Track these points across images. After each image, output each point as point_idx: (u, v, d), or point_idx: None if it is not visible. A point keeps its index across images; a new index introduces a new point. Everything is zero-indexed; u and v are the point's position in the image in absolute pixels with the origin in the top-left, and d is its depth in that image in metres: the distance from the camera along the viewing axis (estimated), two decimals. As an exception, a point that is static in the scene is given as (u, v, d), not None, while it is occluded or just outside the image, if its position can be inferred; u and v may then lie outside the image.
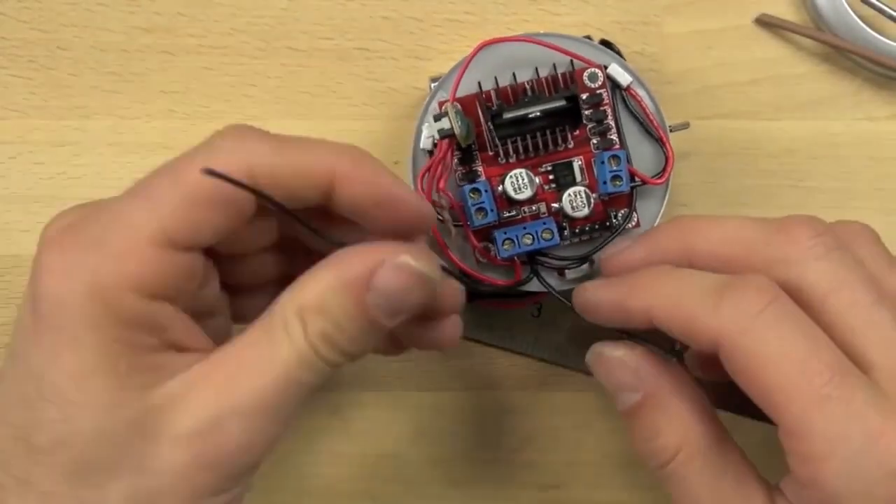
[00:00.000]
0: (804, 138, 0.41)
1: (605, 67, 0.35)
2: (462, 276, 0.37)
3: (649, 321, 0.30)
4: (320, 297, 0.28)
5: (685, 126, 0.37)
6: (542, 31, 0.35)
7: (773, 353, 0.28)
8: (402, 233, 0.30)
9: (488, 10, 0.41)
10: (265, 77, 0.41)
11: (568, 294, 0.34)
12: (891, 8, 0.40)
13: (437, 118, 0.33)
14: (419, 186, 0.33)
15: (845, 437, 0.27)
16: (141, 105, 0.41)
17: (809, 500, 0.28)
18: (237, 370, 0.27)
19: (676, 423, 0.31)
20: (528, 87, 0.34)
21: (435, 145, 0.34)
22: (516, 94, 0.34)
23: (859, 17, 0.40)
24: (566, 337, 0.40)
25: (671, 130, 0.35)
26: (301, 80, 0.41)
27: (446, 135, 0.33)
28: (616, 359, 0.32)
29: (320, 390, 0.40)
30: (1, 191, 0.40)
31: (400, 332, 0.31)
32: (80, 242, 0.27)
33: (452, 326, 0.32)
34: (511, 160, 0.34)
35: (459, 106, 0.34)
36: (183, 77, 0.41)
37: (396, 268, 0.28)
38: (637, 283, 0.31)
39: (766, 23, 0.41)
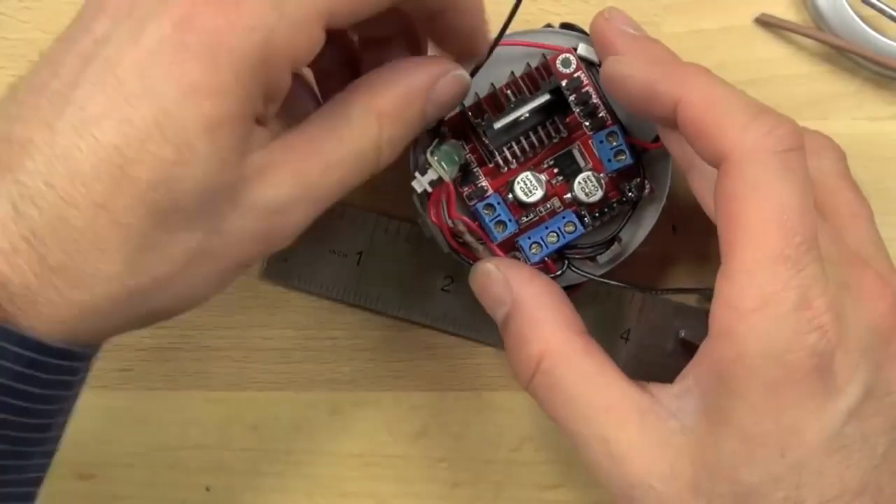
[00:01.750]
0: (804, 138, 0.41)
1: (575, 49, 0.35)
2: None
3: (673, 113, 0.30)
4: (397, 105, 0.30)
5: None
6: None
7: (770, 193, 0.28)
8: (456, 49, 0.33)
9: (488, 10, 0.41)
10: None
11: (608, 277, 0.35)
12: (891, 8, 0.40)
13: (422, 171, 0.33)
14: (431, 218, 0.33)
15: (781, 298, 0.27)
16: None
17: (716, 356, 0.29)
18: (313, 157, 0.29)
19: (540, 331, 0.31)
20: (508, 91, 0.34)
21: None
22: (500, 102, 0.34)
23: (859, 17, 0.40)
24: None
25: None
26: (301, 80, 0.41)
27: (438, 184, 0.33)
28: (488, 272, 0.33)
29: (321, 390, 0.40)
30: (1, 191, 0.40)
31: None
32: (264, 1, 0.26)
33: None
34: (512, 166, 0.34)
35: (447, 132, 0.34)
36: (183, 77, 0.41)
37: (454, 79, 0.31)
38: (676, 70, 0.31)
39: (766, 23, 0.41)
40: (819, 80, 0.41)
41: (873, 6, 0.40)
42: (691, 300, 0.40)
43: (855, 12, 0.40)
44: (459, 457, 0.41)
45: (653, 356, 0.40)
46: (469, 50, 0.33)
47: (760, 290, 0.27)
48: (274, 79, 0.27)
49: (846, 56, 0.41)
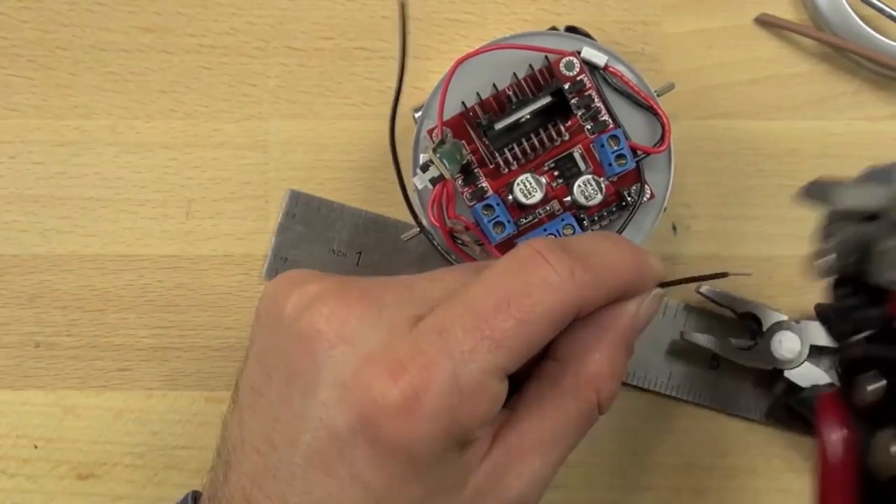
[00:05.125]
0: (804, 138, 0.41)
1: (579, 52, 0.35)
2: None
3: None
4: (611, 363, 0.30)
5: (671, 87, 0.37)
6: (507, 35, 0.35)
7: None
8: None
9: (488, 10, 0.41)
10: (265, 77, 0.41)
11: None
12: (891, 8, 0.40)
13: (423, 168, 0.33)
14: (430, 217, 0.33)
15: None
16: (141, 105, 0.41)
17: None
18: (536, 449, 0.29)
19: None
20: (510, 92, 0.34)
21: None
22: (501, 103, 0.34)
23: (859, 16, 0.40)
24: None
25: (658, 95, 0.35)
26: (301, 80, 0.41)
27: (439, 181, 0.33)
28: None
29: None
30: (1, 190, 0.40)
31: None
32: (435, 380, 0.26)
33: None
34: (513, 168, 0.34)
35: (449, 132, 0.34)
36: (182, 77, 0.41)
37: (651, 302, 0.31)
38: None
39: (766, 22, 0.41)
40: (819, 80, 0.41)
41: (873, 6, 0.40)
42: (692, 300, 0.40)
43: (855, 12, 0.40)
44: (459, 456, 0.41)
45: (653, 356, 0.40)
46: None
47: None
48: (472, 438, 0.28)
49: (846, 56, 0.41)
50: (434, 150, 0.32)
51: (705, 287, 0.40)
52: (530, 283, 0.28)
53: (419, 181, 0.33)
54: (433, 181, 0.33)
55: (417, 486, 0.27)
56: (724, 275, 0.37)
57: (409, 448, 0.26)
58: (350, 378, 0.27)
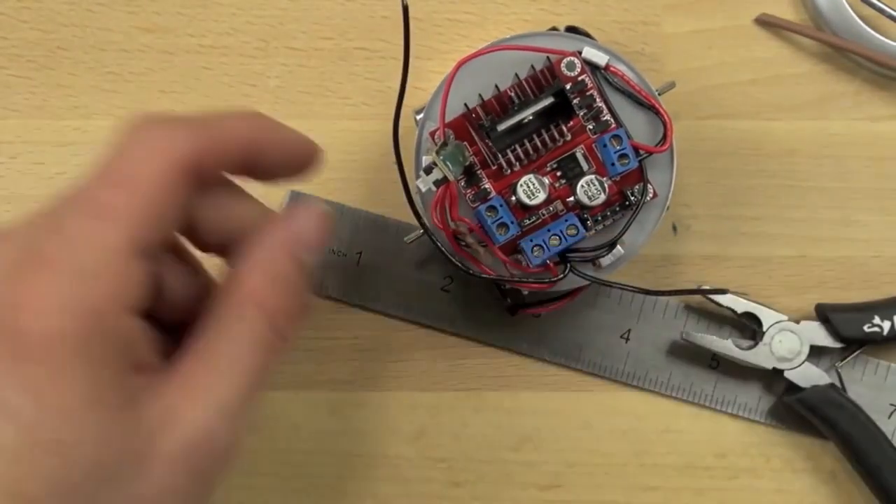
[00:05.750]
0: (804, 138, 0.41)
1: (580, 52, 0.35)
2: (503, 289, 0.37)
3: None
4: (267, 274, 0.29)
5: (672, 86, 0.37)
6: (508, 35, 0.35)
7: None
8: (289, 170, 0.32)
9: (488, 10, 0.41)
10: (265, 77, 0.41)
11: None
12: (891, 8, 0.40)
13: (427, 171, 0.33)
14: (433, 219, 0.33)
15: None
16: (141, 105, 0.41)
17: None
18: (211, 375, 0.28)
19: None
20: (512, 93, 0.34)
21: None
22: (503, 104, 0.34)
23: (859, 17, 0.40)
24: (567, 336, 0.40)
25: (659, 94, 0.35)
26: (301, 80, 0.41)
27: (442, 183, 0.33)
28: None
29: (321, 390, 0.40)
30: (1, 191, 0.40)
31: None
32: (54, 273, 0.25)
33: None
34: (515, 168, 0.34)
35: (452, 134, 0.34)
36: (182, 77, 0.41)
37: (308, 215, 0.31)
38: None
39: (766, 22, 0.41)
40: (819, 80, 0.41)
41: (873, 6, 0.40)
42: (692, 300, 0.40)
43: (855, 12, 0.40)
44: (459, 457, 0.41)
45: (653, 356, 0.40)
46: (303, 161, 0.32)
47: None
48: (126, 331, 0.26)
49: (846, 56, 0.41)
50: (437, 153, 0.32)
51: (706, 286, 0.40)
52: (127, 152, 0.27)
53: (423, 184, 0.33)
54: (437, 183, 0.33)
55: (68, 393, 0.25)
56: (723, 291, 0.37)
57: (42, 346, 0.25)
58: None
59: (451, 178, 0.32)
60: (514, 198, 0.34)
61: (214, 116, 0.30)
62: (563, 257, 0.34)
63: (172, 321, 0.30)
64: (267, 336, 0.29)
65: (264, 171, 0.31)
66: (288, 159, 0.31)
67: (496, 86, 0.34)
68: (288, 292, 0.29)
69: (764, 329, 0.39)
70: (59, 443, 0.25)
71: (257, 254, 0.29)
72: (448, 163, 0.32)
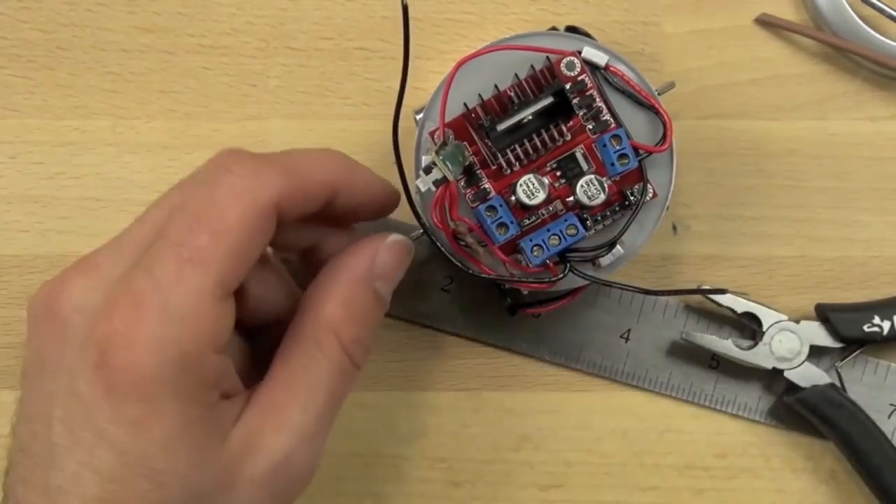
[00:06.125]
0: (804, 138, 0.41)
1: (579, 52, 0.34)
2: (503, 288, 0.37)
3: None
4: (345, 304, 0.30)
5: (672, 86, 0.37)
6: (508, 35, 0.35)
7: None
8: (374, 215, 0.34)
9: (488, 10, 0.41)
10: (265, 77, 0.41)
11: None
12: (891, 8, 0.40)
13: (426, 171, 0.33)
14: (433, 219, 0.33)
15: None
16: (140, 105, 0.41)
17: None
18: (289, 403, 0.29)
19: None
20: (512, 93, 0.34)
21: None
22: (503, 104, 0.34)
23: (859, 17, 0.40)
24: (567, 336, 0.40)
25: (659, 94, 0.35)
26: (301, 80, 0.41)
27: (442, 183, 0.33)
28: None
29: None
30: (1, 190, 0.40)
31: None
32: (148, 313, 0.26)
33: None
34: (515, 168, 0.34)
35: (451, 134, 0.34)
36: (182, 77, 0.41)
37: (389, 248, 0.32)
38: None
39: (766, 23, 0.41)
40: (819, 80, 0.41)
41: (873, 6, 0.40)
42: (692, 300, 0.40)
43: (855, 12, 0.40)
44: (459, 457, 0.41)
45: (653, 356, 0.40)
46: (380, 207, 0.34)
47: None
48: (214, 369, 0.28)
49: (846, 56, 0.41)
50: (437, 153, 0.32)
51: (705, 286, 0.40)
52: (216, 195, 0.28)
53: (422, 183, 0.33)
54: (436, 183, 0.33)
55: (161, 428, 0.26)
56: (723, 291, 0.37)
57: (137, 384, 0.26)
58: (85, 341, 0.27)
59: (450, 178, 0.32)
60: (513, 198, 0.34)
61: (299, 157, 0.31)
62: (563, 257, 0.34)
63: (256, 324, 0.32)
64: (343, 364, 0.30)
65: (341, 213, 0.32)
66: (366, 203, 0.32)
67: (496, 86, 0.34)
68: (363, 323, 0.31)
69: (764, 329, 0.39)
70: (153, 470, 0.26)
71: (336, 282, 0.31)
72: (448, 163, 0.32)
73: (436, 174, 0.33)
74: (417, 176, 0.33)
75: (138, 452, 0.26)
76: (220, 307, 0.27)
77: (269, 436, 0.29)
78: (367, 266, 0.31)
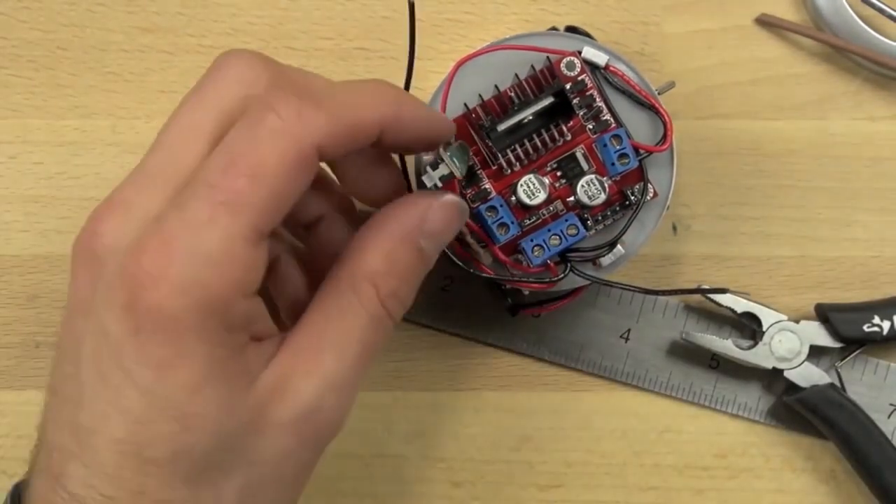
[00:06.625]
0: (804, 138, 0.41)
1: (579, 52, 0.35)
2: (504, 288, 0.37)
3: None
4: (388, 258, 0.30)
5: (672, 85, 0.37)
6: (508, 35, 0.35)
7: None
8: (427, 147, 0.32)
9: (488, 10, 0.41)
10: (265, 77, 0.41)
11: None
12: (891, 8, 0.40)
13: (433, 166, 0.33)
14: None
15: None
16: (140, 105, 0.41)
17: None
18: (323, 348, 0.29)
19: None
20: (512, 93, 0.34)
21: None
22: (503, 104, 0.34)
23: (859, 17, 0.40)
24: (567, 336, 0.40)
25: (659, 93, 0.35)
26: (301, 80, 0.41)
27: (448, 179, 0.33)
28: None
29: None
30: (1, 190, 0.40)
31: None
32: (178, 254, 0.26)
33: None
34: (515, 168, 0.34)
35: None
36: (182, 77, 0.41)
37: (442, 207, 0.31)
38: None
39: (766, 23, 0.41)
40: (819, 80, 0.41)
41: (873, 6, 0.40)
42: (692, 300, 0.40)
43: (855, 12, 0.40)
44: (458, 457, 0.41)
45: (653, 356, 0.40)
46: (432, 140, 0.32)
47: None
48: (243, 313, 0.27)
49: (846, 56, 0.41)
50: (444, 149, 0.32)
51: (705, 286, 0.40)
52: (256, 137, 0.27)
53: (428, 179, 0.33)
54: (442, 179, 0.33)
55: (188, 371, 0.26)
56: (723, 291, 0.37)
57: (166, 326, 0.26)
58: (115, 281, 0.26)
59: (457, 174, 0.32)
60: (514, 198, 0.34)
61: (345, 96, 0.29)
62: (564, 257, 0.34)
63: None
64: (379, 314, 0.30)
65: (388, 148, 0.31)
66: (417, 138, 0.31)
67: (496, 86, 0.34)
68: (404, 276, 0.30)
69: (764, 329, 0.39)
70: (181, 413, 0.26)
71: (381, 234, 0.30)
72: (454, 159, 0.32)
73: (442, 170, 0.33)
74: (417, 175, 0.33)
75: (164, 394, 0.26)
76: (252, 252, 0.26)
77: (299, 380, 0.28)
78: (417, 222, 0.30)
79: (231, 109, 0.28)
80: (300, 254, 0.34)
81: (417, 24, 0.40)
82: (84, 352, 0.27)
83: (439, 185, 0.33)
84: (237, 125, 0.27)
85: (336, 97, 0.28)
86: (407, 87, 0.33)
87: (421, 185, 0.33)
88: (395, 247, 0.30)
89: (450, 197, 0.31)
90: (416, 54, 0.39)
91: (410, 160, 0.35)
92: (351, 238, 0.30)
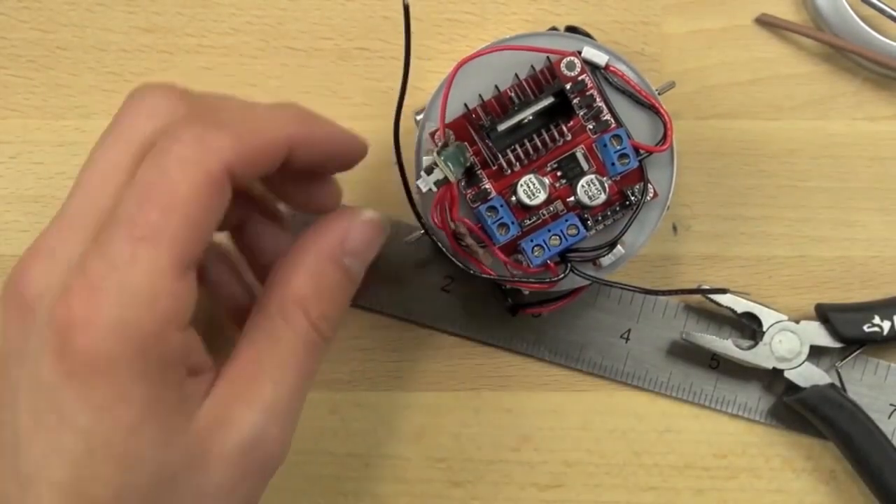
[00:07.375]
0: (804, 138, 0.41)
1: (579, 52, 0.35)
2: (504, 289, 0.37)
3: None
4: (313, 280, 0.30)
5: (672, 85, 0.37)
6: (508, 35, 0.35)
7: None
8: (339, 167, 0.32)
9: (488, 10, 0.41)
10: (265, 77, 0.41)
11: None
12: (891, 8, 0.40)
13: (427, 171, 0.33)
14: (433, 219, 0.33)
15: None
16: (141, 105, 0.41)
17: None
18: (259, 378, 0.29)
19: None
20: (512, 93, 0.34)
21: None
22: (503, 104, 0.34)
23: (859, 17, 0.40)
24: (567, 336, 0.40)
25: (659, 93, 0.35)
26: (301, 80, 0.41)
27: (443, 184, 0.33)
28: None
29: (321, 390, 0.40)
30: (1, 190, 0.40)
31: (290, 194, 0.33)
32: (104, 295, 0.26)
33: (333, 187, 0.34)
34: (515, 168, 0.34)
35: (452, 134, 0.34)
36: (182, 77, 0.41)
37: (363, 224, 0.31)
38: None
39: (766, 23, 0.41)
40: (819, 80, 0.41)
41: (873, 6, 0.40)
42: (692, 300, 0.40)
43: (855, 12, 0.40)
44: (458, 457, 0.41)
45: (653, 356, 0.40)
46: (345, 160, 0.33)
47: None
48: (178, 347, 0.27)
49: (846, 56, 0.41)
50: (438, 153, 0.32)
51: (705, 286, 0.40)
52: (164, 167, 0.26)
53: (423, 184, 0.33)
54: (437, 184, 0.33)
55: (125, 410, 0.26)
56: (724, 291, 0.37)
57: (99, 368, 0.25)
58: (44, 326, 0.26)
59: (451, 178, 0.32)
60: (514, 198, 0.34)
61: (250, 115, 0.29)
62: (564, 257, 0.34)
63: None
64: (311, 338, 0.30)
65: (302, 169, 0.30)
66: (329, 157, 0.31)
67: (496, 86, 0.34)
68: (332, 298, 0.30)
69: (764, 329, 0.39)
70: (120, 453, 0.26)
71: (305, 257, 0.30)
72: (449, 163, 0.32)
73: (437, 175, 0.33)
74: (418, 176, 0.33)
75: (103, 436, 0.26)
76: (178, 284, 0.26)
77: (239, 411, 0.28)
78: (338, 242, 0.31)
79: (145, 144, 0.28)
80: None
81: (417, 23, 0.40)
82: (20, 399, 0.27)
83: (434, 189, 0.33)
84: (146, 159, 0.27)
85: (243, 120, 0.29)
86: (403, 87, 0.32)
87: (417, 190, 0.33)
88: (319, 269, 0.30)
89: (369, 214, 0.32)
90: (417, 54, 0.39)
91: (410, 162, 0.35)
92: (277, 241, 0.31)
